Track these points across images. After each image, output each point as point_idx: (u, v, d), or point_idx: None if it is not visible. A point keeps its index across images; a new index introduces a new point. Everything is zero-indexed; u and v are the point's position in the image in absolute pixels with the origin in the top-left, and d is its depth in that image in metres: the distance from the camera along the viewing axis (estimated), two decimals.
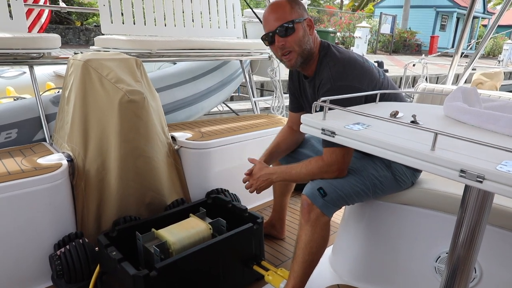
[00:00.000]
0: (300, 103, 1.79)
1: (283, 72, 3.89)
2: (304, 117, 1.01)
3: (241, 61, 3.41)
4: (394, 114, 1.06)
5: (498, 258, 1.49)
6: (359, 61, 1.50)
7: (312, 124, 0.99)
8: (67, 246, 1.64)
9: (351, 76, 1.44)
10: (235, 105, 5.60)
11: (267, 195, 2.53)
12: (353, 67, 1.46)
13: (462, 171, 0.73)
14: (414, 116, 1.01)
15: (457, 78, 3.54)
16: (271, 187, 2.11)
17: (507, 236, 1.46)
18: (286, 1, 1.49)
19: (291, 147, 1.88)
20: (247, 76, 3.53)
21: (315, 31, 1.55)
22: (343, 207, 1.87)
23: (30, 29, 4.13)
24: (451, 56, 3.19)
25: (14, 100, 2.79)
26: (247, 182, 1.74)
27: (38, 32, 4.48)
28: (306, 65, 1.57)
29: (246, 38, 3.95)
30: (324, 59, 1.52)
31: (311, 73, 1.58)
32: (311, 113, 1.60)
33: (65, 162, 1.78)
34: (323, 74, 1.48)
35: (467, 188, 0.96)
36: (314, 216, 1.44)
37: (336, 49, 1.55)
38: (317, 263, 1.51)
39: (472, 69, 3.93)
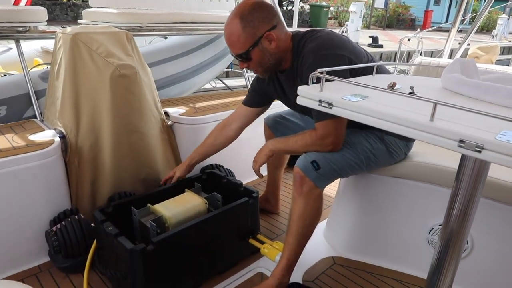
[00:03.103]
0: (259, 99, 1.79)
1: None
2: (301, 89, 1.00)
3: None
4: (392, 86, 1.05)
5: (489, 229, 1.52)
6: (336, 33, 1.50)
7: (308, 95, 0.97)
8: (63, 222, 1.64)
9: (332, 45, 1.42)
10: (229, 81, 5.54)
11: (262, 171, 2.54)
12: (331, 38, 1.45)
13: (461, 141, 0.73)
14: (412, 87, 1.00)
15: (451, 52, 3.52)
16: None
17: (498, 208, 1.49)
18: (238, 25, 1.42)
19: (220, 148, 1.89)
20: None
21: (283, 32, 1.50)
22: (337, 181, 1.89)
23: (17, 3, 4.00)
24: (445, 31, 3.17)
25: (2, 76, 2.73)
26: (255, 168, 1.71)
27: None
28: (279, 67, 1.57)
29: None
30: (299, 43, 1.50)
31: (288, 65, 1.55)
32: (293, 106, 1.60)
33: (57, 139, 1.76)
34: (303, 52, 1.46)
35: (463, 160, 0.97)
36: (307, 188, 1.45)
37: (309, 30, 1.54)
38: (310, 235, 1.53)
39: (467, 44, 3.91)
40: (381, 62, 1.44)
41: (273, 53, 1.49)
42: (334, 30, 1.57)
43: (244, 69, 3.41)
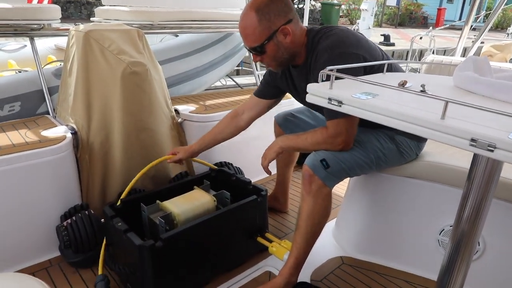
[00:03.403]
0: (270, 91, 1.78)
1: None
2: (311, 86, 0.99)
3: None
4: (403, 84, 1.04)
5: (502, 231, 1.50)
6: (352, 31, 1.48)
7: (318, 93, 0.97)
8: (74, 217, 1.66)
9: (347, 43, 1.40)
10: (239, 79, 5.54)
11: (271, 169, 2.53)
12: (346, 35, 1.43)
13: (472, 140, 0.71)
14: (423, 85, 0.99)
15: (464, 51, 3.46)
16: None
17: (511, 209, 1.46)
18: (254, 18, 1.41)
19: (229, 136, 1.89)
20: None
21: (298, 26, 1.49)
22: (347, 181, 1.88)
23: (41, 1, 4.06)
24: (459, 29, 3.12)
25: (16, 73, 2.77)
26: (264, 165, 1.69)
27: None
28: (292, 61, 1.56)
29: None
30: (314, 38, 1.48)
31: (301, 61, 1.54)
32: (303, 102, 1.59)
33: (69, 135, 1.78)
34: (317, 49, 1.45)
35: (475, 160, 0.95)
36: (316, 187, 1.44)
37: (324, 26, 1.52)
38: (319, 234, 1.52)
39: (481, 42, 3.84)
40: (393, 60, 1.42)
41: (287, 48, 1.47)
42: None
43: (254, 67, 3.42)
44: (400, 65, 1.55)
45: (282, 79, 1.69)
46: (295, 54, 1.52)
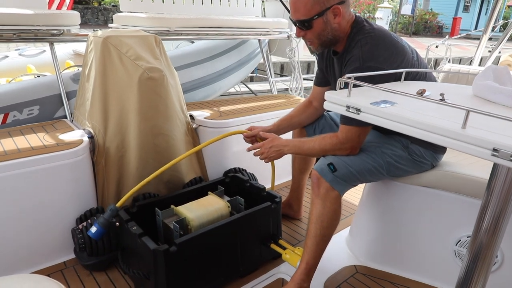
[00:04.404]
0: (326, 78, 1.77)
1: (302, 53, 3.82)
2: (328, 94, 0.99)
3: (259, 40, 3.37)
4: (421, 92, 1.03)
5: None
6: (393, 41, 1.43)
7: (336, 101, 0.97)
8: (89, 220, 1.68)
9: (382, 58, 1.37)
10: (253, 86, 5.57)
11: (285, 176, 2.53)
12: (385, 47, 1.40)
13: (494, 149, 0.70)
14: (442, 94, 0.98)
15: (480, 61, 3.42)
16: (290, 164, 2.11)
17: None
18: None
19: (304, 122, 1.89)
20: (265, 56, 3.49)
21: (348, 11, 1.47)
22: (362, 188, 1.86)
23: (60, 7, 4.15)
24: (474, 38, 3.09)
25: (35, 77, 2.83)
26: (256, 150, 1.70)
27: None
28: (333, 45, 1.55)
29: (265, 17, 3.89)
30: (356, 36, 1.46)
31: (341, 49, 1.54)
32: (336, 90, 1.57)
33: (86, 139, 1.81)
34: (353, 51, 1.43)
35: (494, 170, 0.94)
36: (324, 190, 1.45)
37: (370, 25, 1.49)
38: (329, 238, 1.51)
39: (498, 52, 3.79)
40: (409, 69, 1.39)
41: (333, 29, 1.46)
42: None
43: (269, 74, 3.43)
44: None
45: (327, 64, 1.69)
46: (338, 39, 1.51)
